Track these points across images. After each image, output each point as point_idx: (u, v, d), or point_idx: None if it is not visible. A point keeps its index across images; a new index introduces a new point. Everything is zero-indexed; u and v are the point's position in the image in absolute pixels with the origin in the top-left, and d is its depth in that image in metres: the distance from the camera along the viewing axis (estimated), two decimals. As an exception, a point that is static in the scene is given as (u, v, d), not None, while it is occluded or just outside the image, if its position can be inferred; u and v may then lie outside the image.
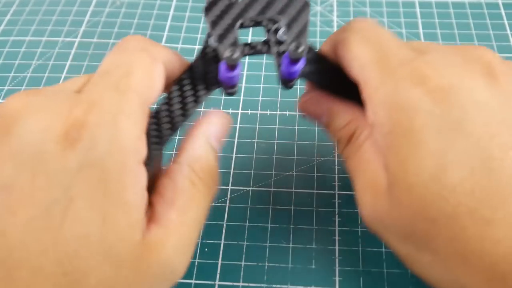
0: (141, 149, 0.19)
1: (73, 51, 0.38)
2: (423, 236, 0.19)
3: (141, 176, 0.19)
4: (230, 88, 0.23)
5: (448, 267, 0.19)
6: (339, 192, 0.30)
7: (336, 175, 0.30)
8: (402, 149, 0.19)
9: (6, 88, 0.36)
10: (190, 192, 0.20)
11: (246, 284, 0.26)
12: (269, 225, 0.28)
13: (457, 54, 0.21)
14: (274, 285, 0.26)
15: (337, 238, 0.28)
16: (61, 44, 0.39)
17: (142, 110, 0.20)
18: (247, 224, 0.28)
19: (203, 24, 0.40)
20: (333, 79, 0.24)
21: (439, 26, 0.39)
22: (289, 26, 0.23)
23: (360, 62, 0.21)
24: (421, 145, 0.19)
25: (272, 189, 0.30)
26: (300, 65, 0.22)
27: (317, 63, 0.24)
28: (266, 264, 0.27)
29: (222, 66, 0.21)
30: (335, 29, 0.39)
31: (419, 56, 0.21)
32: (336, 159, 0.31)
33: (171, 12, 0.41)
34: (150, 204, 0.20)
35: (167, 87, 0.22)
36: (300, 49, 0.21)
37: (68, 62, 0.38)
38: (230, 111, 0.34)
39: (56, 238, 0.17)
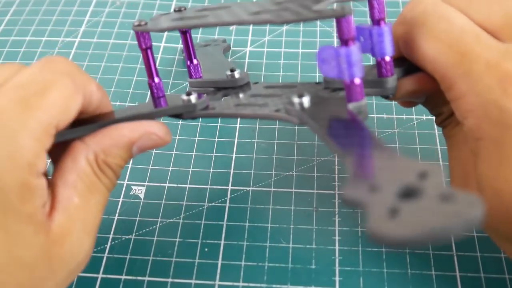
0: (41, 164, 0.19)
1: (73, 51, 0.38)
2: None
3: (40, 189, 0.19)
4: None
5: None
6: (339, 192, 0.29)
7: (336, 175, 0.30)
8: (491, 157, 0.19)
9: (6, 88, 0.36)
10: (92, 178, 0.20)
11: (246, 284, 0.26)
12: (269, 225, 0.28)
13: None
14: (274, 285, 0.26)
15: (337, 238, 0.28)
16: (61, 44, 0.39)
17: (48, 131, 0.19)
18: (247, 224, 0.28)
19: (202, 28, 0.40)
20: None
21: (439, 26, 0.39)
22: None
23: (436, 65, 0.21)
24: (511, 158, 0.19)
25: (272, 189, 0.30)
26: (389, 28, 0.21)
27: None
28: (266, 264, 0.27)
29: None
30: (335, 29, 0.39)
31: (505, 55, 0.20)
32: (336, 159, 0.31)
33: (171, 12, 0.41)
34: (51, 184, 0.20)
35: (79, 116, 0.21)
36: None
37: (68, 62, 0.38)
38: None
39: None
